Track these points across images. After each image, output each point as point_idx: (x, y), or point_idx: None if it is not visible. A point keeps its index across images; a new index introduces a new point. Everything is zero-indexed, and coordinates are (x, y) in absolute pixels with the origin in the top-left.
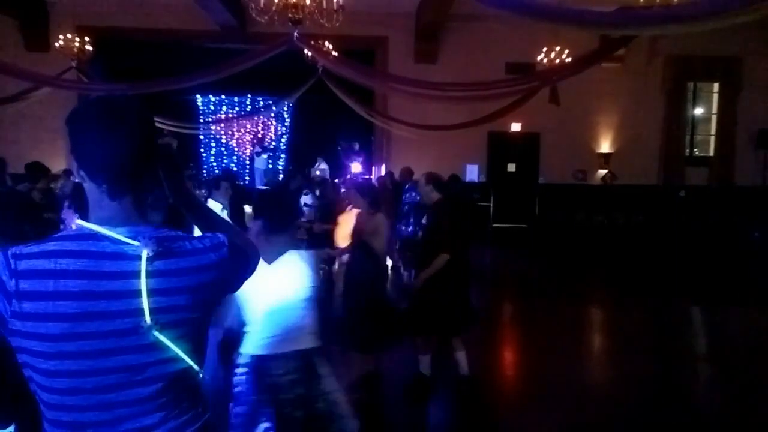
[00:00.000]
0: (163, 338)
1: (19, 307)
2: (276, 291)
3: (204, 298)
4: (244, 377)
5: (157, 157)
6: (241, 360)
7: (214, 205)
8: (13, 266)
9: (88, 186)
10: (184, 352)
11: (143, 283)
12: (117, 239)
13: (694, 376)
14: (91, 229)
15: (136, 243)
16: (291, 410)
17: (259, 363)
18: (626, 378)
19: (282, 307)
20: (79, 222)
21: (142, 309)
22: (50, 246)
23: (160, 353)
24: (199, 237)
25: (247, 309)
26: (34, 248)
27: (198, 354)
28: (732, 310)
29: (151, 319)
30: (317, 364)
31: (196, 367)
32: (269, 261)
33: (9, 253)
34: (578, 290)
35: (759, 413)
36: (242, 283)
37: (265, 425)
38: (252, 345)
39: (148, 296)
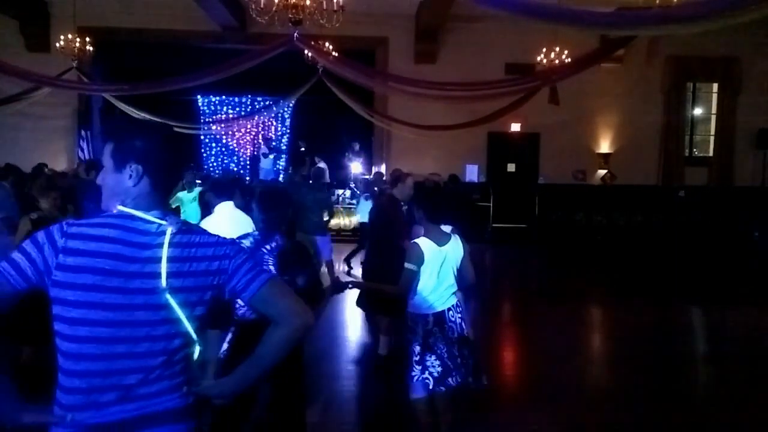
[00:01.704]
0: (172, 300)
1: (63, 260)
2: (448, 264)
3: (207, 269)
4: (430, 327)
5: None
6: (420, 320)
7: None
8: (65, 229)
9: (144, 182)
10: (186, 318)
11: (165, 251)
12: (147, 219)
13: (694, 376)
14: (128, 212)
15: (164, 222)
16: (471, 341)
17: (440, 315)
18: (625, 377)
19: (451, 275)
20: (120, 207)
21: (160, 273)
22: (96, 220)
23: (168, 313)
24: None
25: (426, 280)
26: (83, 221)
27: (197, 324)
28: (732, 310)
29: (166, 283)
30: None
31: (194, 336)
32: (440, 244)
33: (64, 222)
34: (578, 290)
35: (759, 413)
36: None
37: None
38: (432, 305)
39: (167, 262)
